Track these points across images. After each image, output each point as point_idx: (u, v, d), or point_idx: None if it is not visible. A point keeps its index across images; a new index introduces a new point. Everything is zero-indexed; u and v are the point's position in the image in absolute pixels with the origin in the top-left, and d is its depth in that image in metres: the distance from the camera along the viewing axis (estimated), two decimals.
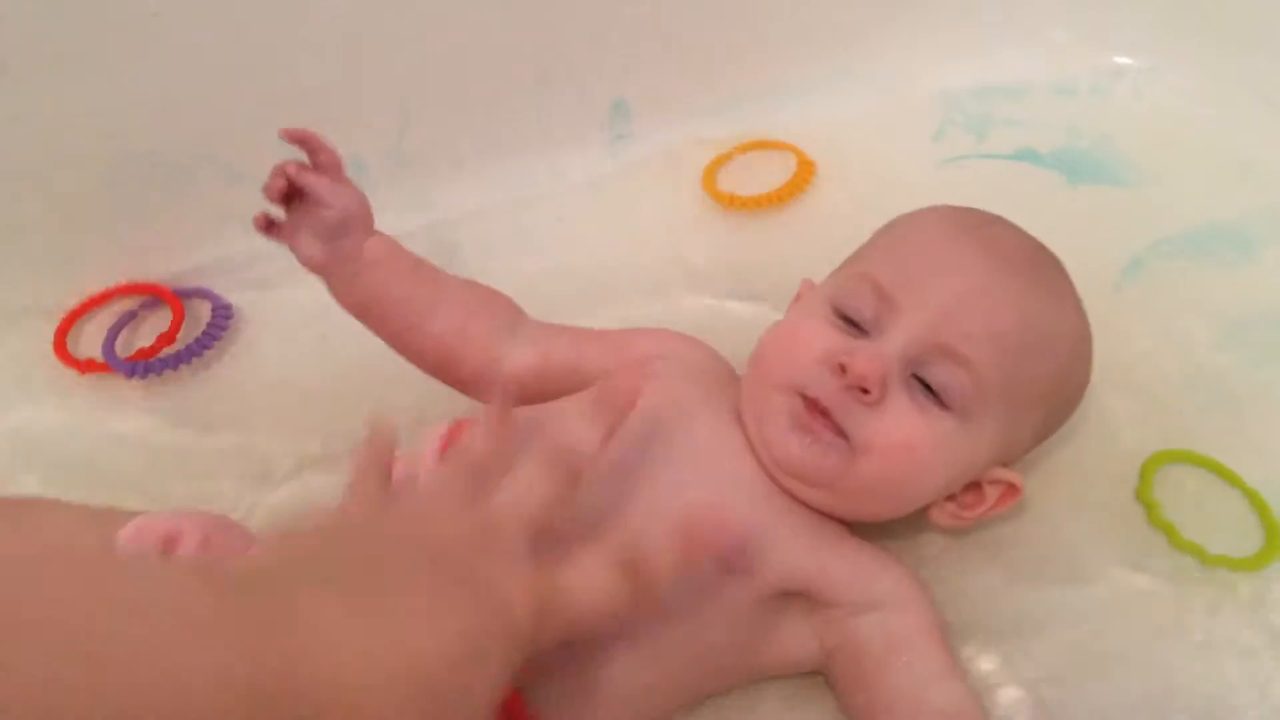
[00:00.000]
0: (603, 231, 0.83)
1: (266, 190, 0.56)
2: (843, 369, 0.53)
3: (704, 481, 0.55)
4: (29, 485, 0.70)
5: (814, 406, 0.54)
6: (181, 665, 0.30)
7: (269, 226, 0.58)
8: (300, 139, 0.57)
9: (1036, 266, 0.58)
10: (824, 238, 0.67)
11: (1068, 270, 0.61)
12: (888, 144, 0.87)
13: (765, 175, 0.85)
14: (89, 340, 0.79)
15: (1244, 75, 0.84)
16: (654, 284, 0.79)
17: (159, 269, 0.82)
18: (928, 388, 0.54)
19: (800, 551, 0.55)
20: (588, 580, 0.44)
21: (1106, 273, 0.77)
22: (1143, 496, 0.64)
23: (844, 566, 0.56)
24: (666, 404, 0.57)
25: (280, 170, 0.56)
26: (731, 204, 0.83)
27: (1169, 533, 0.63)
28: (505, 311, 0.63)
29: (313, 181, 0.57)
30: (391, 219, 0.82)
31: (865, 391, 0.53)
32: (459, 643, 0.38)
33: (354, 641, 0.35)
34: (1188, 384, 0.71)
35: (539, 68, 0.83)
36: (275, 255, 0.77)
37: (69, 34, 0.72)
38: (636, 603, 0.45)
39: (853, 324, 0.56)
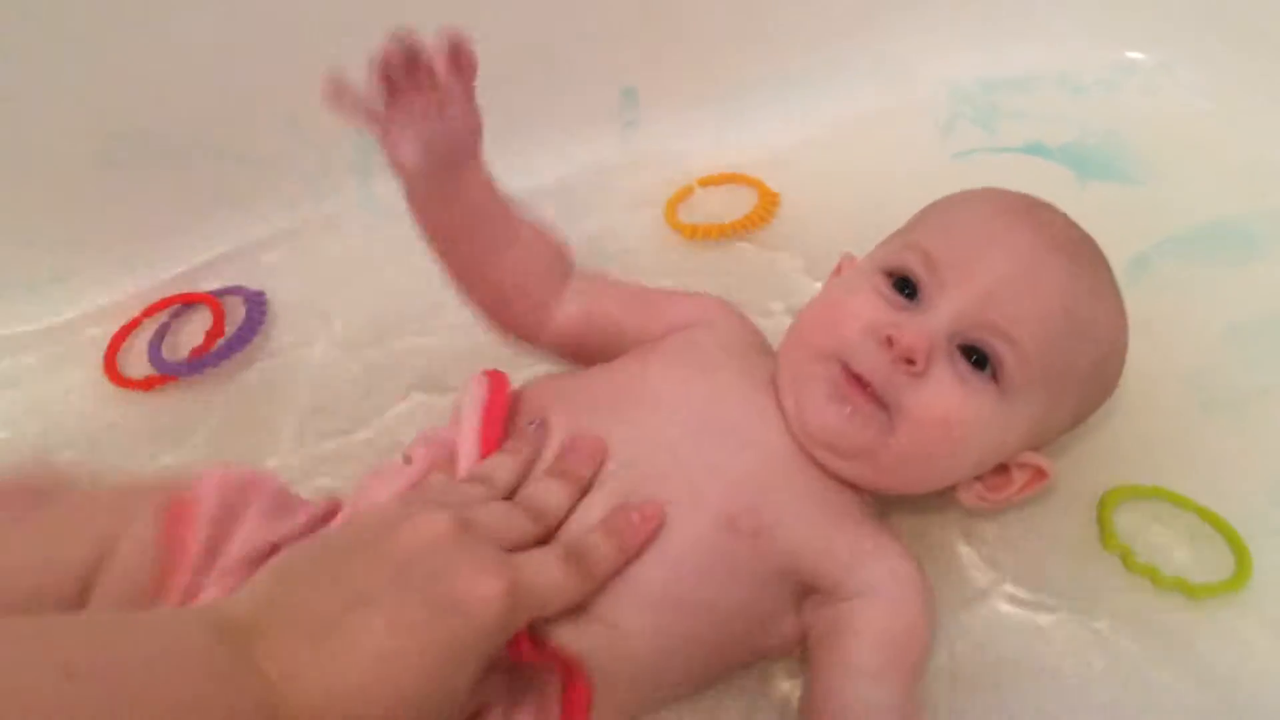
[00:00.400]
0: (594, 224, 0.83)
1: (382, 63, 0.52)
2: (889, 341, 0.53)
3: (731, 452, 0.55)
4: None
5: (853, 378, 0.54)
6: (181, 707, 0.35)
7: (362, 110, 0.54)
8: (448, 35, 0.52)
9: (1083, 252, 0.59)
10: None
11: None
12: (898, 137, 0.87)
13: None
14: (135, 356, 0.79)
15: (1254, 73, 0.84)
16: None
17: (173, 273, 0.83)
18: (972, 362, 0.54)
19: (814, 527, 0.55)
20: (544, 575, 0.46)
21: (1114, 269, 0.76)
22: (1108, 543, 0.63)
23: (844, 547, 0.55)
24: (699, 374, 0.58)
25: (404, 42, 0.52)
26: (684, 231, 0.83)
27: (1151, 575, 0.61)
28: (561, 262, 0.63)
29: (454, 82, 0.53)
30: (396, 201, 0.84)
31: (911, 363, 0.53)
32: (429, 653, 0.41)
33: (323, 679, 0.39)
34: (1190, 382, 0.71)
35: (548, 53, 0.83)
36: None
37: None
38: (587, 592, 0.48)
39: (901, 290, 0.56)
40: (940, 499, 0.61)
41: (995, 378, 0.54)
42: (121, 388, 0.76)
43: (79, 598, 0.51)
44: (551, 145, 0.85)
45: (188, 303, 0.81)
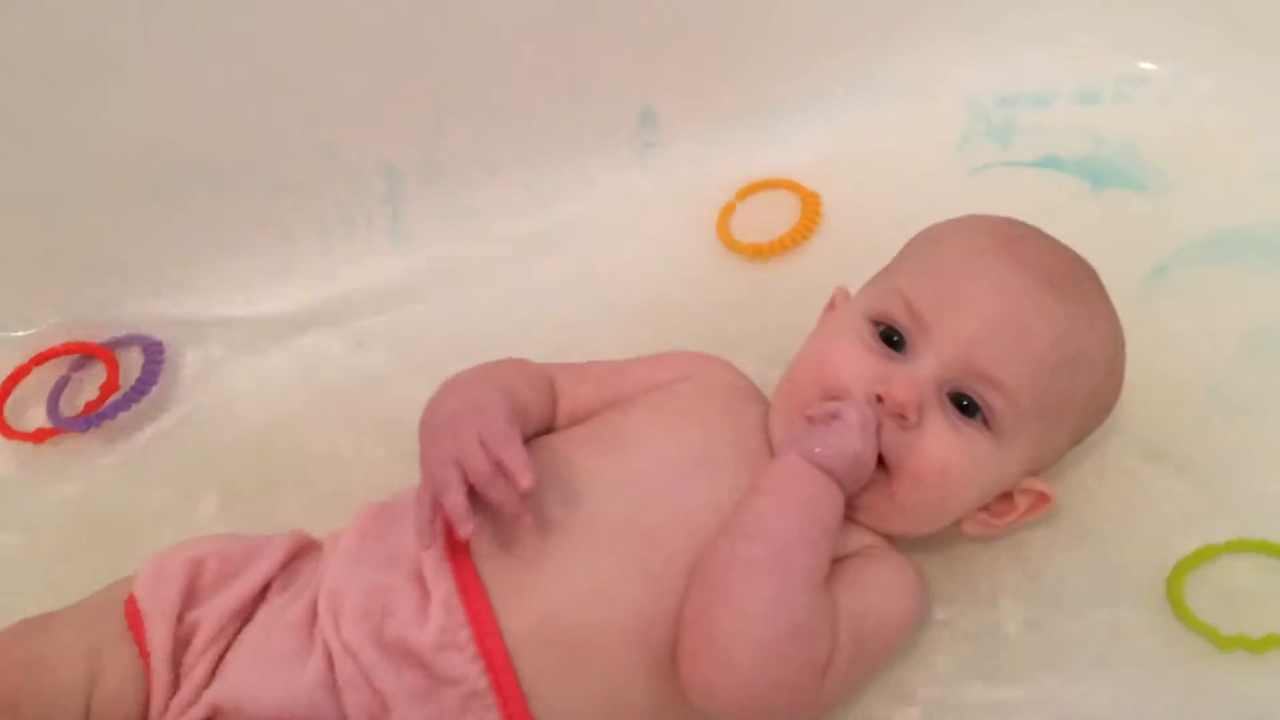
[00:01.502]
0: (626, 248, 0.85)
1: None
2: (879, 399, 0.54)
3: (723, 491, 0.55)
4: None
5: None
6: None
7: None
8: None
9: (1070, 282, 0.59)
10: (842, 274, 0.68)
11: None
12: (913, 152, 0.87)
13: (776, 218, 0.85)
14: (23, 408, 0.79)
15: (1268, 81, 0.84)
16: (667, 310, 0.80)
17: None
18: (962, 409, 0.55)
19: None
20: None
21: (1131, 280, 0.76)
22: (1174, 600, 0.62)
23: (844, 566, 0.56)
24: (684, 419, 0.59)
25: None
26: (746, 252, 0.83)
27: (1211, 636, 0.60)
28: (549, 389, 0.63)
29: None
30: (427, 226, 0.86)
31: (904, 418, 0.54)
32: None
33: None
34: (1212, 392, 0.71)
35: (569, 76, 0.84)
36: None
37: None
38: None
39: (888, 339, 0.57)
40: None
41: (987, 423, 0.55)
42: (9, 439, 0.76)
43: None
44: (573, 170, 0.87)
45: (84, 353, 0.80)
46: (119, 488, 0.74)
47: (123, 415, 0.77)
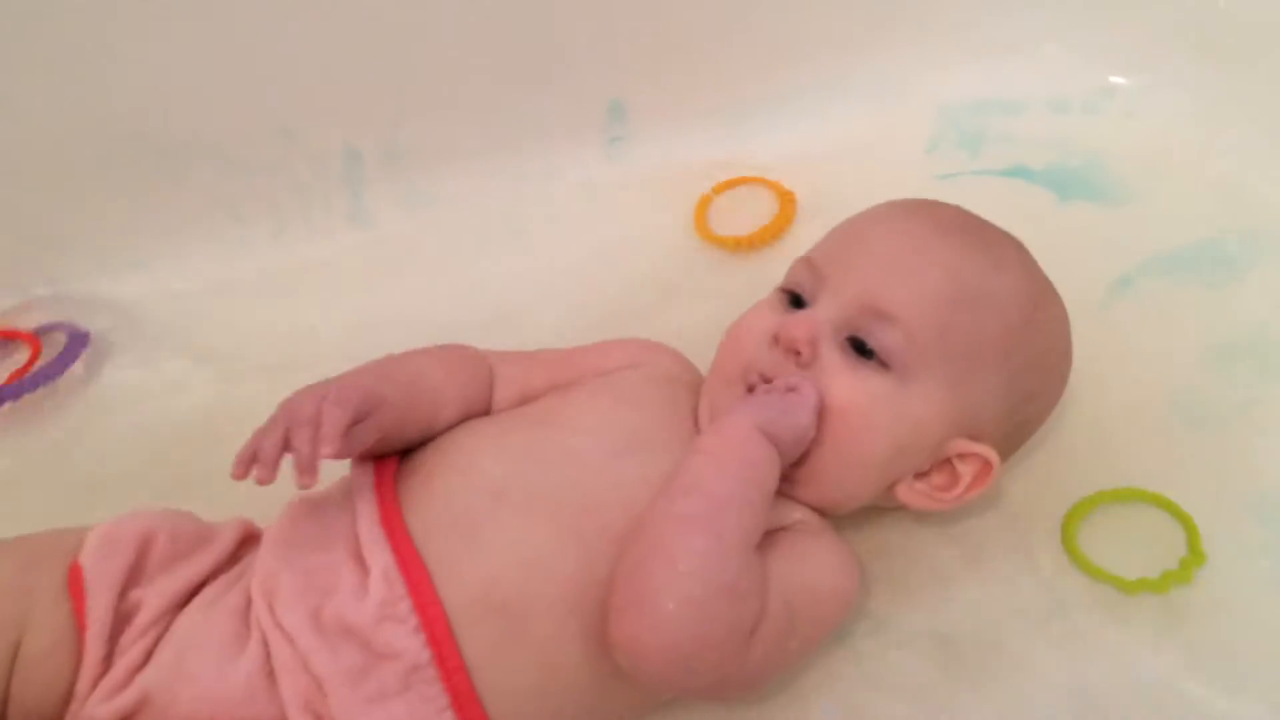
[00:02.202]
0: (590, 239, 0.84)
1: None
2: (776, 339, 0.56)
3: (653, 469, 0.55)
4: None
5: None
6: None
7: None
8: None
9: (967, 230, 0.61)
10: None
11: (1057, 288, 0.62)
12: (881, 157, 0.87)
13: (752, 211, 0.85)
14: None
15: (1234, 98, 0.85)
16: (630, 301, 0.80)
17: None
18: (860, 349, 0.56)
19: None
20: None
21: (1094, 291, 0.77)
22: (1067, 543, 0.64)
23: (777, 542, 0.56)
24: (621, 403, 0.60)
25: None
26: (723, 244, 0.83)
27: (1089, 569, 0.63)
28: (484, 374, 0.63)
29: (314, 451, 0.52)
30: (386, 211, 0.85)
31: (797, 353, 0.56)
32: None
33: None
34: (1173, 403, 0.71)
35: (535, 64, 0.84)
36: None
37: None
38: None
39: (793, 303, 0.60)
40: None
41: (884, 361, 0.56)
42: None
43: (2, 693, 0.51)
44: (538, 161, 0.87)
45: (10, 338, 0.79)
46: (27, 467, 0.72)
47: (30, 396, 0.75)
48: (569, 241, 0.84)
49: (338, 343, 0.74)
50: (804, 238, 0.80)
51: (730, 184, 0.88)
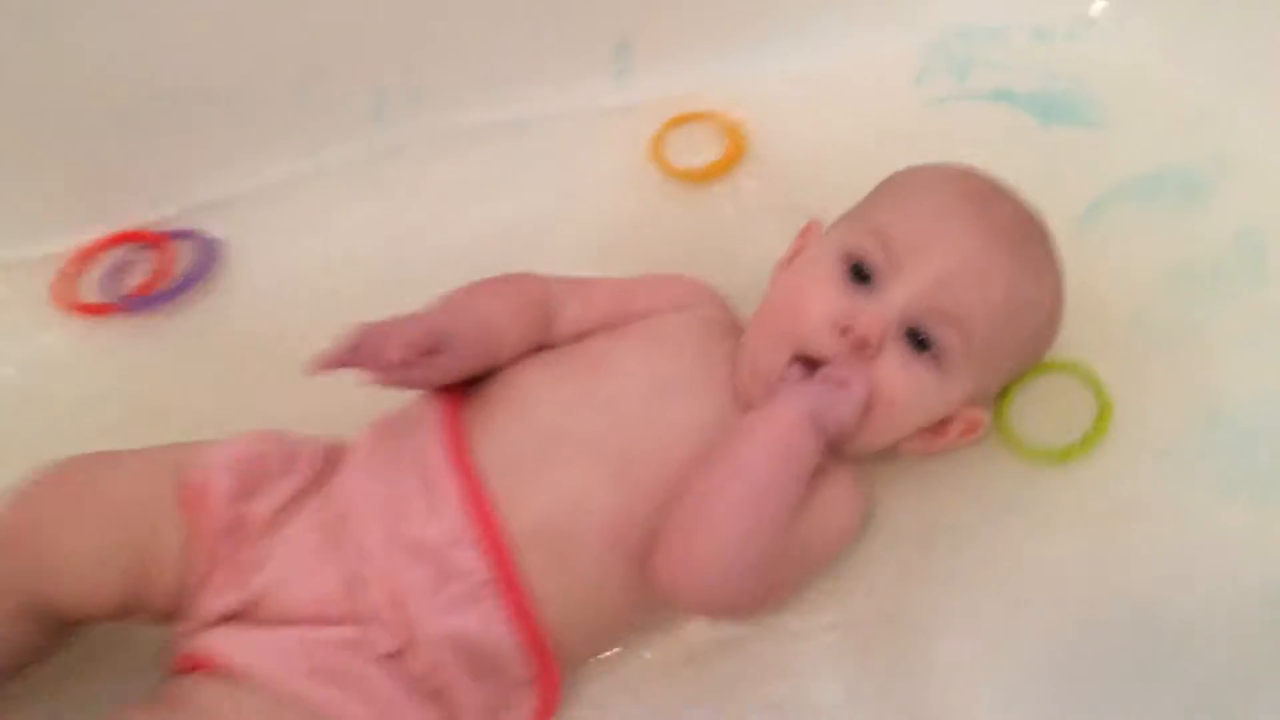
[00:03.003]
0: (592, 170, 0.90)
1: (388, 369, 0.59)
2: (845, 331, 0.60)
3: (682, 410, 0.63)
4: (48, 422, 0.77)
5: (804, 367, 0.62)
6: None
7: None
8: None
9: (1029, 240, 0.66)
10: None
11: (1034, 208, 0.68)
12: (874, 82, 0.92)
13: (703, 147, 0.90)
14: (87, 285, 0.85)
15: (1209, 28, 0.89)
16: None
17: (149, 211, 0.88)
18: (918, 344, 0.61)
19: None
20: None
21: (1070, 213, 0.82)
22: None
23: None
24: (660, 348, 0.66)
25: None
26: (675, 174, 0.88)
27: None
28: (545, 314, 0.69)
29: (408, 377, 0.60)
30: (410, 145, 0.90)
31: (865, 348, 0.60)
32: None
33: None
34: (1134, 320, 0.78)
35: (545, 6, 0.88)
36: (260, 192, 0.86)
37: None
38: None
39: (857, 274, 0.63)
40: None
41: (936, 358, 0.62)
42: (65, 312, 0.82)
43: (131, 587, 0.58)
44: (545, 87, 0.91)
45: (143, 241, 0.86)
46: (161, 370, 0.80)
47: (167, 304, 0.83)
48: (575, 172, 0.89)
49: (371, 265, 0.82)
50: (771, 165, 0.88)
51: (682, 119, 0.92)
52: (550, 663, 0.60)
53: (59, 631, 0.60)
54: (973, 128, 0.86)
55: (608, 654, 0.66)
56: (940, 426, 0.66)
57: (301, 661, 0.56)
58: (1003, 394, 0.72)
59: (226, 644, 0.57)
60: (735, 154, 0.89)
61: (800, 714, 0.64)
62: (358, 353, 0.58)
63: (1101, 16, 0.94)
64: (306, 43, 0.85)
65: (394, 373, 0.59)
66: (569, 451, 0.61)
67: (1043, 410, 0.72)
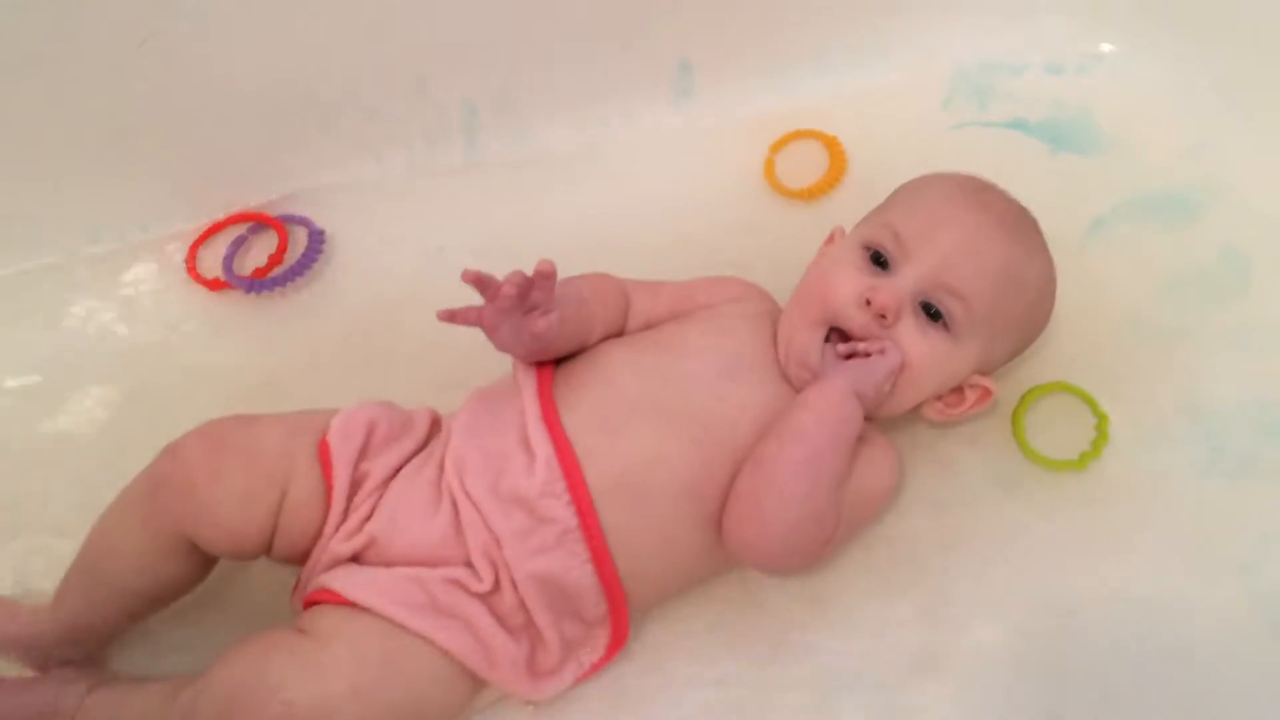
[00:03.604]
0: (663, 180, 0.99)
1: (503, 297, 0.65)
2: (868, 302, 0.70)
3: (745, 387, 0.72)
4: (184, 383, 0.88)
5: (834, 337, 0.72)
6: None
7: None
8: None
9: (1019, 225, 0.76)
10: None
11: (1043, 227, 0.78)
12: (906, 108, 1.01)
13: (809, 166, 0.99)
14: (211, 262, 0.95)
15: (1206, 69, 0.98)
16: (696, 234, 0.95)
17: (260, 197, 0.98)
18: (931, 316, 0.72)
19: None
20: None
21: (1075, 230, 0.92)
22: (1015, 423, 0.82)
23: None
24: (721, 335, 0.75)
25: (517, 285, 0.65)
26: (781, 192, 0.97)
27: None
28: (624, 304, 0.78)
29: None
30: (495, 154, 1.00)
31: (884, 317, 0.70)
32: None
33: None
34: (1131, 324, 0.87)
35: (618, 27, 0.98)
36: (361, 188, 0.96)
37: None
38: None
39: (876, 261, 0.73)
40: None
41: (947, 327, 0.72)
42: (195, 283, 0.92)
43: (270, 529, 0.68)
44: (618, 110, 1.02)
45: (260, 222, 0.96)
46: (272, 347, 0.90)
47: (282, 286, 0.92)
48: (645, 182, 0.99)
49: (460, 259, 0.89)
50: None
51: (787, 139, 1.01)
52: (621, 604, 0.68)
53: (203, 568, 0.70)
54: (991, 152, 0.95)
55: (670, 602, 0.74)
56: (956, 395, 0.76)
57: (411, 595, 0.65)
58: (1016, 420, 0.82)
59: (345, 581, 0.66)
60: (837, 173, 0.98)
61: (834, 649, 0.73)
62: (481, 282, 0.65)
63: (1109, 54, 1.03)
64: (413, 57, 0.95)
65: (506, 304, 0.64)
66: (647, 416, 0.69)
67: (1049, 427, 0.82)
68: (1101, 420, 0.81)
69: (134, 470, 0.69)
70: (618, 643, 0.70)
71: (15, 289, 0.93)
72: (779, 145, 1.00)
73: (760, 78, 1.02)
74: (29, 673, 0.70)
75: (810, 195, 0.97)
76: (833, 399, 0.69)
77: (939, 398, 0.77)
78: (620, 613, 0.69)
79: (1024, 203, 0.79)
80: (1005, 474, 0.80)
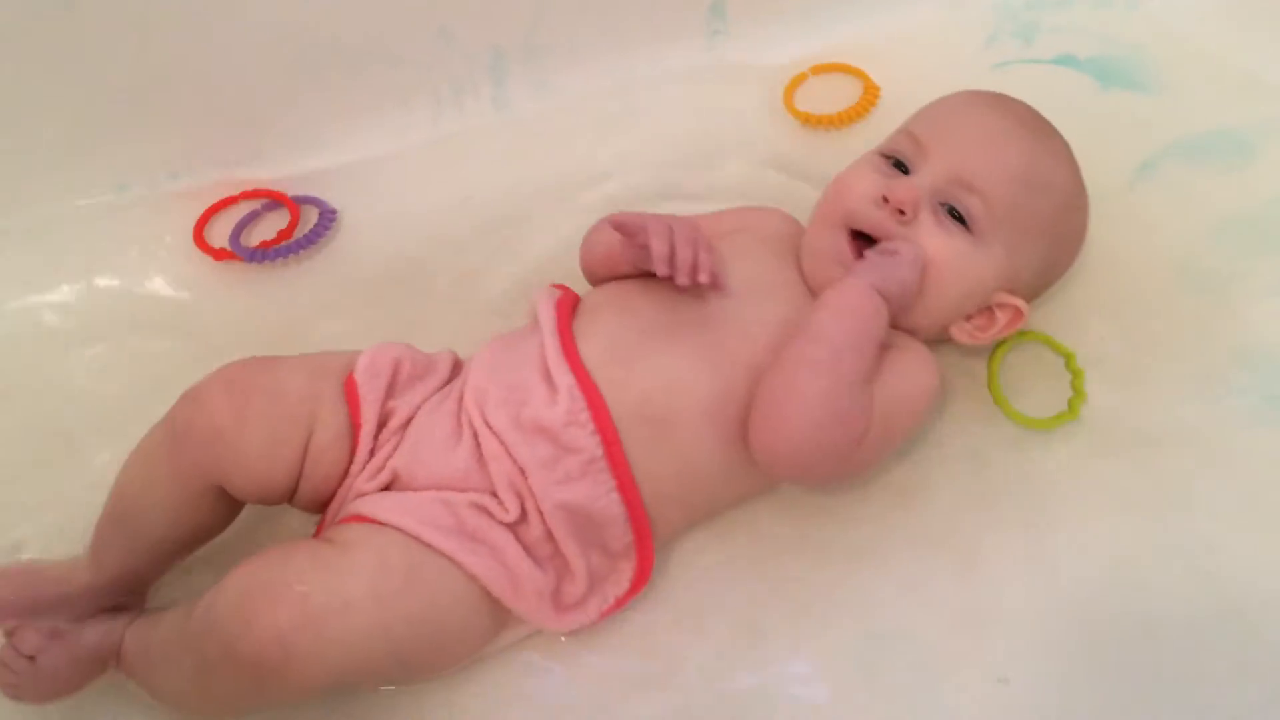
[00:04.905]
0: (690, 121, 0.98)
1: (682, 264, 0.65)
2: (884, 199, 0.70)
3: (772, 304, 0.71)
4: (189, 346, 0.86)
5: (856, 244, 0.71)
6: None
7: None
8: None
9: (1039, 129, 0.75)
10: None
11: (1089, 170, 0.75)
12: (948, 47, 0.99)
13: (838, 96, 0.98)
14: (218, 232, 0.94)
15: (1258, 2, 0.95)
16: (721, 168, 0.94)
17: (277, 168, 0.97)
18: (950, 214, 0.71)
19: None
20: None
21: (1123, 172, 0.89)
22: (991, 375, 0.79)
23: None
24: (747, 262, 0.74)
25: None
26: (806, 121, 0.96)
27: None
28: None
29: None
30: (523, 101, 0.98)
31: (902, 213, 0.70)
32: None
33: None
34: (1180, 269, 0.84)
35: None
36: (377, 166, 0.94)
37: None
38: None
39: (895, 165, 0.73)
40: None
41: (967, 225, 0.70)
42: (202, 252, 0.91)
43: (297, 473, 0.67)
44: (647, 54, 1.00)
45: (274, 199, 0.95)
46: (279, 315, 0.89)
47: (286, 258, 0.92)
48: (673, 122, 0.97)
49: (486, 206, 0.91)
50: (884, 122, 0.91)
51: (822, 69, 0.99)
52: (646, 532, 0.68)
53: (231, 512, 0.70)
54: (1035, 90, 0.90)
55: (694, 531, 0.73)
56: (986, 316, 0.75)
57: (438, 517, 0.64)
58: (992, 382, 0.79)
59: (372, 504, 0.66)
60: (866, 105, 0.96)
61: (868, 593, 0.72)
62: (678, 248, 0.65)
63: None
64: (439, 2, 0.93)
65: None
66: (664, 342, 0.68)
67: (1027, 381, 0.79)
68: (1076, 376, 0.78)
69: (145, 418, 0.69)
70: (642, 577, 0.69)
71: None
72: (798, 81, 0.99)
73: (794, 17, 1.00)
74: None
75: (838, 123, 0.95)
76: (850, 296, 0.67)
77: (967, 318, 0.75)
78: (645, 543, 0.68)
79: (1071, 144, 0.76)
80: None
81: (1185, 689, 0.67)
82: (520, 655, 0.69)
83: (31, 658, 0.66)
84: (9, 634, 0.67)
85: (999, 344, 0.80)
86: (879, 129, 0.82)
